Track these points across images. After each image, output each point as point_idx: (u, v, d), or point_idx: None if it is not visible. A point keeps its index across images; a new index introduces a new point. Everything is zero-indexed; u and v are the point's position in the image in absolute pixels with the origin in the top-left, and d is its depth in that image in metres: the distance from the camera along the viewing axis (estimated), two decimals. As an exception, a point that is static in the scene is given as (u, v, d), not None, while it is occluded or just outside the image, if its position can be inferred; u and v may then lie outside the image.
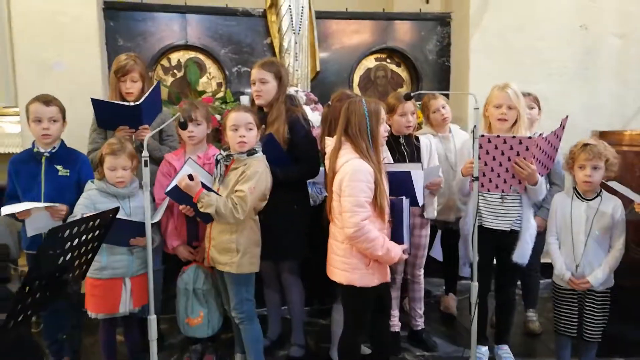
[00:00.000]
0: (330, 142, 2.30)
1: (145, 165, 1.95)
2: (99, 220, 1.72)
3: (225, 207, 2.24)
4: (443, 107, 3.17)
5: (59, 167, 2.51)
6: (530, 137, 2.43)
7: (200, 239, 2.59)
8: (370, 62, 4.40)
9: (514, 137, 2.43)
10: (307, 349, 2.87)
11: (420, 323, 3.01)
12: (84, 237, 1.67)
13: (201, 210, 2.25)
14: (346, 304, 2.28)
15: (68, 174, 2.52)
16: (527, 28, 4.02)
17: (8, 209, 2.33)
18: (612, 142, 3.14)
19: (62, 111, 2.57)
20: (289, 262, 2.75)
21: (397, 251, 2.18)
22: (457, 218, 3.12)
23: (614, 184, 2.30)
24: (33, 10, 3.42)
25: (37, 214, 2.35)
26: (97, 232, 1.77)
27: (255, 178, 2.29)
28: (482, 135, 2.42)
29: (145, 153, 1.97)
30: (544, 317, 3.27)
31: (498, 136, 2.43)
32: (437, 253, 3.52)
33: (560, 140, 2.54)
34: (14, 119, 4.13)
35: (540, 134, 2.89)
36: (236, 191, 2.28)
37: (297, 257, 2.72)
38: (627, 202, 2.37)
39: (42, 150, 2.50)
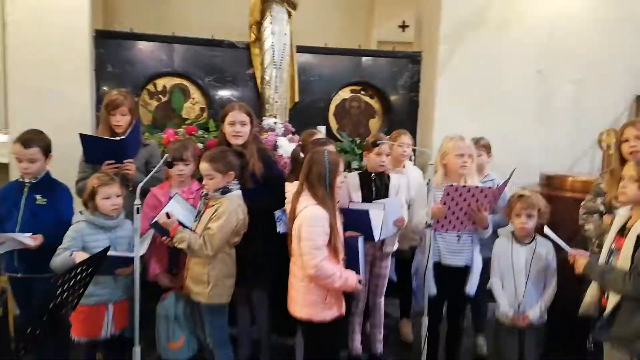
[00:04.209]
0: (290, 188, 2.56)
1: (137, 212, 2.19)
2: (91, 261, 1.96)
3: (195, 243, 2.50)
4: (408, 146, 3.47)
5: (37, 196, 2.72)
6: (490, 187, 2.78)
7: (180, 267, 2.82)
8: (345, 93, 4.70)
9: (477, 187, 2.76)
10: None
11: (379, 347, 3.29)
12: (79, 277, 1.90)
13: (175, 245, 2.52)
14: (306, 339, 2.56)
15: (45, 203, 2.72)
16: (490, 70, 4.35)
17: None
18: (556, 187, 3.51)
19: (44, 149, 2.73)
20: (260, 289, 3.00)
21: (353, 278, 2.46)
22: (410, 247, 3.41)
23: (547, 231, 2.61)
24: (27, 40, 3.62)
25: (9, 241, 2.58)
26: (90, 269, 2.00)
27: (224, 217, 2.54)
28: (451, 185, 2.72)
29: (137, 201, 2.21)
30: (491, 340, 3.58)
31: (464, 186, 2.74)
32: (392, 274, 3.79)
33: (505, 186, 2.87)
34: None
35: (490, 180, 3.22)
36: (208, 229, 2.54)
37: (266, 286, 2.96)
38: (558, 246, 2.69)
39: (25, 180, 2.73)
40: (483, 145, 3.36)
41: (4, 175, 3.63)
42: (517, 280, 2.73)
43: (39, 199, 2.72)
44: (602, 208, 2.74)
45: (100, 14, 5.05)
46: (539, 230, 2.74)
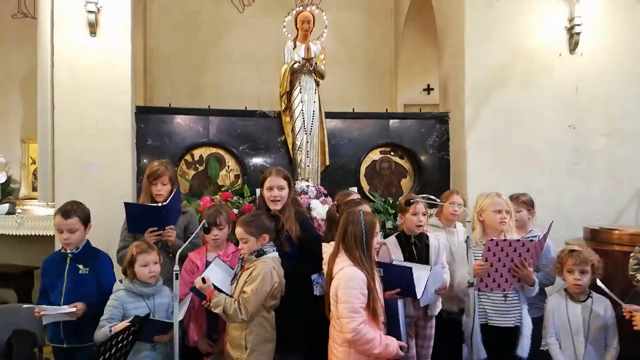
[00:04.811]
0: (327, 249, 2.54)
1: (176, 278, 2.21)
2: (132, 329, 1.97)
3: (230, 307, 2.47)
4: (459, 206, 3.43)
5: (80, 266, 2.78)
6: (531, 240, 2.69)
7: (219, 332, 2.79)
8: (375, 154, 4.75)
9: (518, 240, 2.68)
10: None
11: (427, 415, 3.09)
12: (120, 345, 1.90)
13: (211, 309, 2.49)
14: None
15: (87, 272, 2.78)
16: (518, 126, 4.33)
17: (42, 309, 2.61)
18: (602, 241, 3.38)
19: (83, 219, 2.81)
20: (296, 354, 2.91)
21: (394, 344, 2.35)
22: (459, 309, 3.27)
23: (600, 284, 2.49)
24: (73, 116, 3.87)
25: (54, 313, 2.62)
26: (130, 337, 2.01)
27: (257, 280, 2.51)
28: (491, 240, 2.66)
29: (176, 267, 2.24)
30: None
31: (505, 240, 2.68)
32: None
33: (546, 240, 2.79)
34: (43, 202, 4.47)
35: (534, 236, 3.13)
36: (243, 292, 2.52)
37: (303, 351, 2.86)
38: (614, 302, 2.55)
39: (67, 251, 2.81)
40: (523, 202, 3.28)
41: (50, 247, 3.75)
42: (576, 341, 2.59)
43: (82, 269, 2.78)
44: (653, 259, 2.61)
45: (141, 91, 5.40)
46: (592, 286, 2.62)
